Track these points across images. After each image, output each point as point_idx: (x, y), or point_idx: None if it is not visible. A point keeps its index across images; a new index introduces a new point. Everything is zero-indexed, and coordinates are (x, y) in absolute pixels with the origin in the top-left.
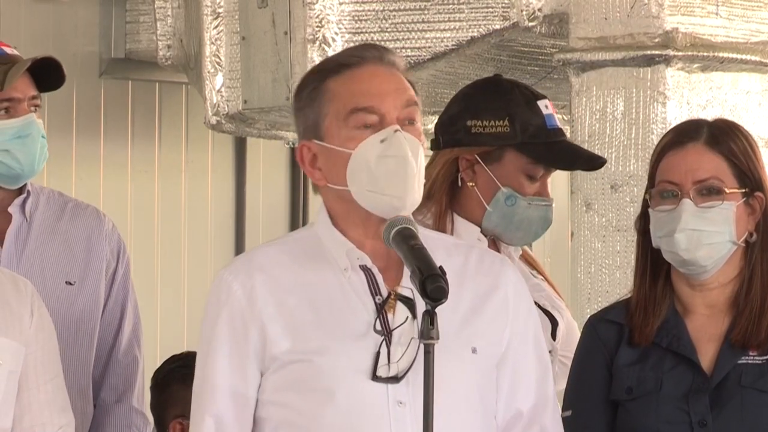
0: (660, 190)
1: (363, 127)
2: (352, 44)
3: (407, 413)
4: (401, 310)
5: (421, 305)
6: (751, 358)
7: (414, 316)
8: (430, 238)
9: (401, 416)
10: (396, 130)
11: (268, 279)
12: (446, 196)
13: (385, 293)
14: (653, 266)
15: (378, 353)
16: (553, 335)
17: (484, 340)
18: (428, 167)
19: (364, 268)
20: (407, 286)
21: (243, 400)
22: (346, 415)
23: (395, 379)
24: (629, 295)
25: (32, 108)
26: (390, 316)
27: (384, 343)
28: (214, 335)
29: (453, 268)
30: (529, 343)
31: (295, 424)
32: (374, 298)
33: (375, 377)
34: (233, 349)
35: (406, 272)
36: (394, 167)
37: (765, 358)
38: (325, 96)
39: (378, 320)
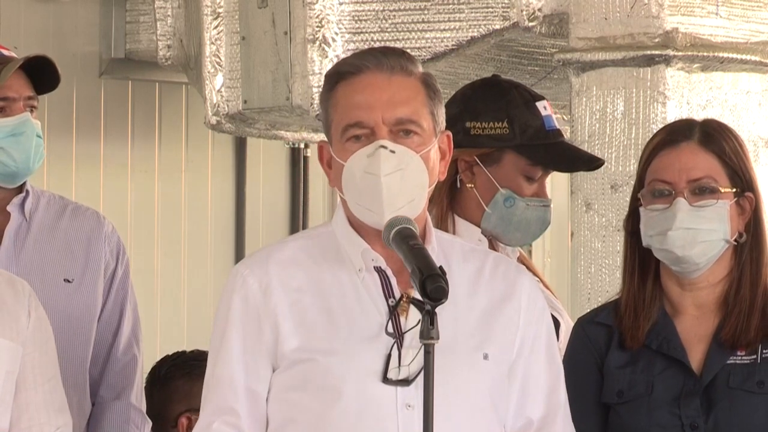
0: (652, 189)
1: (354, 139)
2: (352, 44)
3: (415, 416)
4: (414, 314)
5: None
6: (739, 358)
7: None
8: (447, 242)
9: (409, 419)
10: (379, 147)
11: (283, 276)
12: (446, 198)
13: (398, 296)
14: (642, 267)
15: (389, 355)
16: (556, 336)
17: (496, 347)
18: None
19: (379, 270)
20: None
21: (254, 395)
22: (353, 415)
23: (406, 382)
24: (616, 297)
25: (28, 108)
26: (402, 318)
27: (395, 345)
28: (228, 328)
29: (468, 274)
30: (541, 351)
31: (301, 422)
32: (387, 301)
33: (385, 379)
34: (246, 344)
35: None
36: (372, 184)
37: (752, 357)
38: (331, 102)
39: (390, 322)
